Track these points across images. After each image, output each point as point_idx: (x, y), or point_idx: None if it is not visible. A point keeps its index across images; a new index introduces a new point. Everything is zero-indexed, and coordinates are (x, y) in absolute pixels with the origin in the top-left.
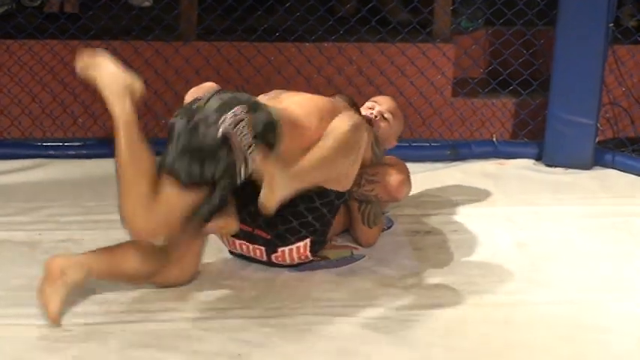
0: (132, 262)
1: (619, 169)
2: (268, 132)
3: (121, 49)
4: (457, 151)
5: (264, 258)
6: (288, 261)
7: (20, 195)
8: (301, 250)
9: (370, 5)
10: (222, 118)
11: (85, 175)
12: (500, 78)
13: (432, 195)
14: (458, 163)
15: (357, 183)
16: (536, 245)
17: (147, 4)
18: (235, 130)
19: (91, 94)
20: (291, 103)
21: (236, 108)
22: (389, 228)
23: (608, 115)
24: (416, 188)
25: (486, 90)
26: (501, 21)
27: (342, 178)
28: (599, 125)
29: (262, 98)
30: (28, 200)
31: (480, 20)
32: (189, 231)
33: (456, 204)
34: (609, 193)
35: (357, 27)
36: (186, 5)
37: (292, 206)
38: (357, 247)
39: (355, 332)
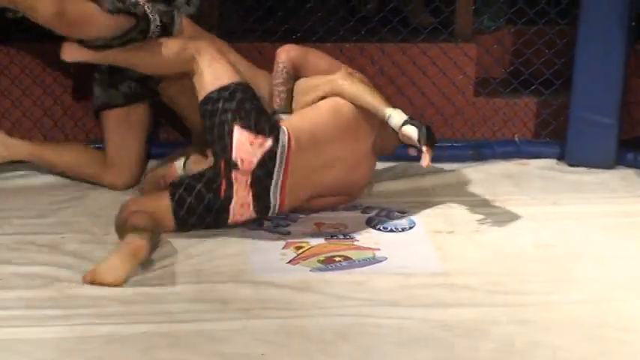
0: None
1: None
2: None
3: None
4: (479, 151)
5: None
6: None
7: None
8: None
9: (391, 5)
10: None
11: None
12: (522, 77)
13: (454, 195)
14: (480, 163)
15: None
16: (560, 245)
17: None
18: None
19: (68, 96)
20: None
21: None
22: (411, 229)
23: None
24: (438, 188)
25: (508, 90)
26: (523, 20)
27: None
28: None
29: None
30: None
31: (501, 20)
32: None
33: (479, 204)
34: (632, 192)
35: (379, 27)
36: (208, 6)
37: None
38: (379, 248)
39: (378, 332)
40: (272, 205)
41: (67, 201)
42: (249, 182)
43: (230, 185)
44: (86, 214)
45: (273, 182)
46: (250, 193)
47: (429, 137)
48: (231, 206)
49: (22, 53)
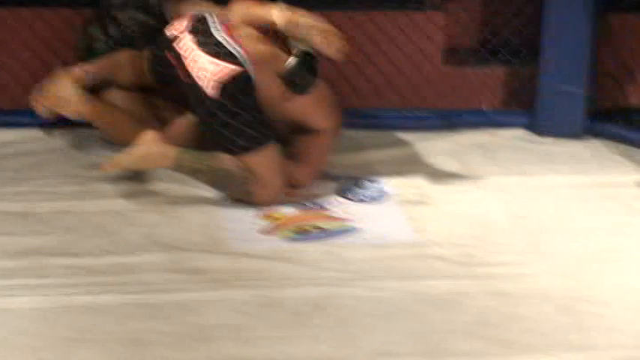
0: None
1: (609, 139)
2: None
3: None
4: (448, 120)
5: None
6: None
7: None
8: None
9: None
10: None
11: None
12: (491, 46)
13: (424, 165)
14: (449, 133)
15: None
16: (530, 216)
17: None
18: None
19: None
20: None
21: None
22: (382, 197)
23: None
24: (407, 158)
25: (477, 59)
26: None
27: None
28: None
29: None
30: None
31: None
32: None
33: (449, 174)
34: (600, 162)
35: None
36: None
37: None
38: (351, 218)
39: (351, 304)
40: (221, 38)
41: (35, 167)
42: (191, 36)
43: (177, 57)
44: (57, 179)
45: (211, 24)
46: (194, 41)
47: (291, 79)
48: (188, 64)
49: (9, 19)
